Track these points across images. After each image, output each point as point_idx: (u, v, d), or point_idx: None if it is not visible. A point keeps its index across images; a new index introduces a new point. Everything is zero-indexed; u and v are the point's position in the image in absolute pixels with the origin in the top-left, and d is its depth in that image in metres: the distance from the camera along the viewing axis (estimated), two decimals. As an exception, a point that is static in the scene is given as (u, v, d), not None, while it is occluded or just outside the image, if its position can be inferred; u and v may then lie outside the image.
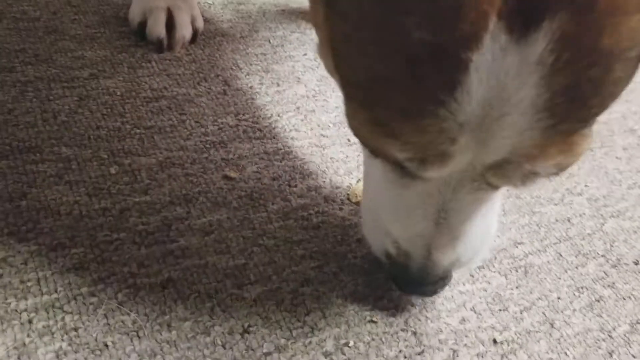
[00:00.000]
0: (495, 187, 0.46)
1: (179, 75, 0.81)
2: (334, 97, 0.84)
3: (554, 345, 0.59)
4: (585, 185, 0.81)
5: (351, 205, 0.68)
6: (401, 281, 0.55)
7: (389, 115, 0.40)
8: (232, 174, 0.68)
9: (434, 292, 0.55)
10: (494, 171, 0.42)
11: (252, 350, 0.52)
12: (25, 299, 0.52)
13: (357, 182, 0.70)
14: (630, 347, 0.61)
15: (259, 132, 0.75)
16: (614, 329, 0.62)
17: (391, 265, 0.53)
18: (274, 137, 0.75)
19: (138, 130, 0.71)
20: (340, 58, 0.43)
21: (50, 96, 0.73)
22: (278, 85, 0.84)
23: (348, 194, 0.69)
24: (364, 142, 0.46)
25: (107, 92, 0.76)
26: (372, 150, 0.45)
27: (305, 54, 0.91)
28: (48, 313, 0.51)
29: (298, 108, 0.81)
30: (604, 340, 0.61)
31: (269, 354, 0.52)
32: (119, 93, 0.76)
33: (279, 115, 0.78)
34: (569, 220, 0.74)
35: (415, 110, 0.38)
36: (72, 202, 0.61)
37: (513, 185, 0.43)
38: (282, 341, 0.54)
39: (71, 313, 0.51)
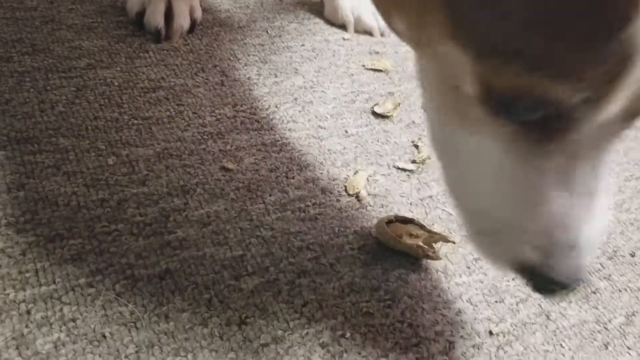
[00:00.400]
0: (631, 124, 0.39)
1: (176, 65, 0.81)
2: (331, 88, 0.84)
3: (549, 336, 0.60)
4: (583, 177, 0.81)
5: (348, 197, 0.68)
6: (554, 284, 0.44)
7: (558, 51, 0.34)
8: (230, 166, 0.68)
9: (580, 283, 0.44)
10: None
11: (250, 341, 0.53)
12: (24, 289, 0.52)
13: (355, 173, 0.71)
14: (626, 338, 0.62)
15: (256, 124, 0.75)
16: (609, 321, 0.63)
17: (535, 276, 0.44)
18: (271, 129, 0.75)
19: (136, 121, 0.71)
20: (472, 18, 0.36)
21: (47, 86, 0.73)
22: (276, 76, 0.84)
23: (345, 186, 0.69)
24: (515, 98, 0.37)
25: (104, 83, 0.76)
26: (533, 103, 0.36)
27: (303, 45, 0.90)
28: (46, 304, 0.51)
29: (296, 99, 0.80)
30: (599, 332, 0.61)
31: (266, 345, 0.53)
32: (116, 83, 0.76)
33: (276, 107, 0.78)
34: (565, 212, 0.75)
35: (596, 38, 0.33)
36: (70, 193, 0.61)
37: None
38: (279, 332, 0.54)
39: (69, 304, 0.52)
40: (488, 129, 0.39)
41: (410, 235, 0.63)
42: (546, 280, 0.43)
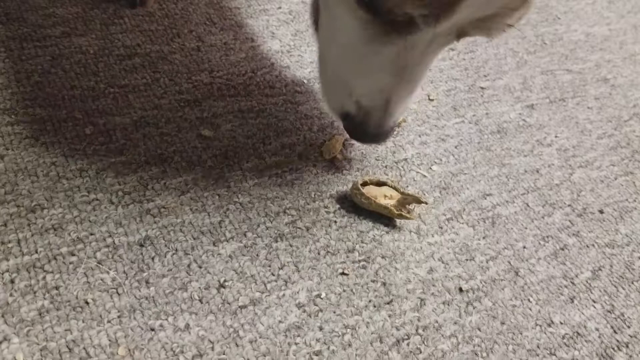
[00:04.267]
0: (459, 40, 0.51)
1: (152, 31, 0.81)
2: (308, 52, 0.84)
3: (517, 292, 0.62)
4: (556, 136, 0.82)
5: (324, 162, 0.70)
6: (360, 134, 0.58)
7: None
8: (207, 133, 0.69)
9: (386, 139, 0.60)
10: (478, 24, 0.48)
11: (228, 303, 0.55)
12: (7, 259, 0.54)
13: (330, 139, 0.72)
14: (592, 292, 0.64)
15: (233, 90, 0.75)
16: (576, 276, 0.66)
17: (349, 122, 0.57)
18: (248, 95, 0.75)
19: (112, 90, 0.71)
20: None
21: (22, 56, 0.73)
22: (252, 40, 0.84)
23: (322, 150, 0.71)
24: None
25: (80, 51, 0.76)
26: (387, 9, 0.46)
27: (279, 7, 0.90)
28: (29, 273, 0.53)
29: (272, 64, 0.81)
30: (566, 286, 0.64)
31: (244, 307, 0.55)
32: (92, 51, 0.76)
33: (253, 72, 0.79)
34: (537, 171, 0.77)
35: None
36: (48, 164, 0.62)
37: (487, 35, 0.49)
38: (257, 294, 0.56)
39: (52, 272, 0.53)
40: (358, 14, 0.49)
41: (385, 196, 0.65)
42: (359, 127, 0.56)
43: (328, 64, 0.57)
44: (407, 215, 0.64)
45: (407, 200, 0.65)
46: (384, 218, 0.65)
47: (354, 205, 0.66)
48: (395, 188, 0.66)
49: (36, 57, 0.73)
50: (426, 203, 0.65)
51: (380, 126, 0.56)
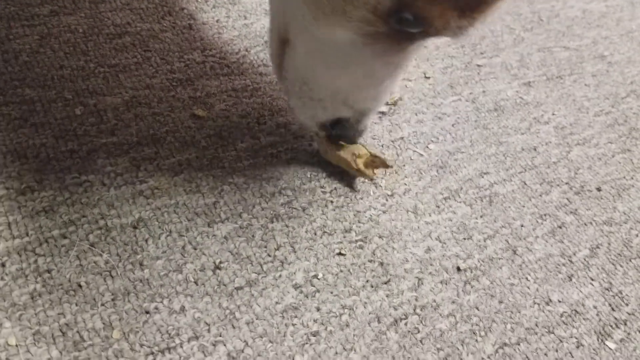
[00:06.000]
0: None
1: (142, 9, 0.79)
2: (302, 29, 0.82)
3: (515, 271, 0.62)
4: (553, 114, 0.82)
5: (320, 141, 0.69)
6: (351, 133, 0.60)
7: None
8: (200, 113, 0.68)
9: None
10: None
11: (224, 285, 0.54)
12: (-3, 243, 0.53)
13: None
14: (589, 270, 0.64)
15: (226, 69, 0.74)
16: (574, 254, 0.65)
17: (340, 126, 0.59)
18: (242, 73, 0.74)
19: (102, 69, 0.70)
20: None
21: (10, 35, 0.71)
22: (245, 18, 0.82)
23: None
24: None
25: (68, 30, 0.74)
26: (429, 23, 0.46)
27: (273, -15, 0.88)
28: (21, 256, 0.52)
29: (266, 42, 0.79)
30: (564, 265, 0.64)
31: (240, 288, 0.54)
32: (81, 30, 0.74)
33: (246, 50, 0.77)
34: (535, 149, 0.76)
35: None
36: (38, 145, 0.61)
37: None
38: (253, 276, 0.55)
39: (43, 255, 0.52)
40: (364, 28, 0.48)
41: (353, 154, 0.64)
42: (352, 128, 0.59)
43: (315, 83, 0.56)
44: (365, 172, 0.63)
45: (374, 162, 0.64)
46: (382, 198, 0.64)
47: (350, 184, 0.65)
48: (366, 148, 0.65)
49: (24, 36, 0.72)
50: (391, 167, 0.64)
51: (368, 123, 0.60)
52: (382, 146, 0.70)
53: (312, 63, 0.55)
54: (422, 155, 0.70)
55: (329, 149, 0.64)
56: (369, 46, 0.49)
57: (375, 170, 0.64)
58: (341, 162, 0.64)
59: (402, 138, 0.72)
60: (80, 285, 0.51)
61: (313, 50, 0.54)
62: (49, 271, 0.51)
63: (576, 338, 0.57)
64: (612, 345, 0.58)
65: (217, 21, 0.80)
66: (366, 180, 0.65)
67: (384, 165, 0.64)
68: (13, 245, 0.53)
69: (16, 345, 0.46)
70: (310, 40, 0.53)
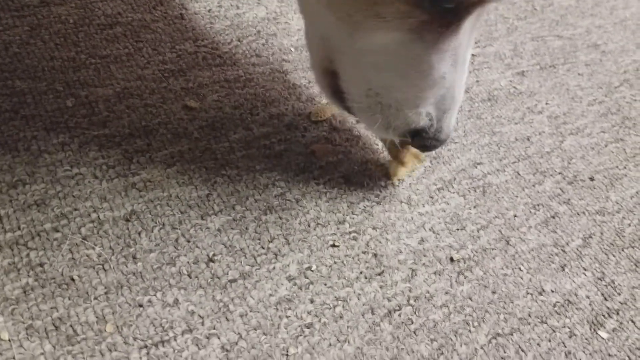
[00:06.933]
0: None
1: (133, -1, 0.78)
2: (295, 19, 0.82)
3: (508, 261, 0.62)
4: (546, 103, 0.82)
5: (314, 132, 0.69)
6: (436, 142, 0.55)
7: None
8: (193, 104, 0.67)
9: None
10: None
11: (218, 278, 0.54)
12: (-11, 237, 0.52)
13: (324, 104, 0.70)
14: (582, 260, 0.64)
15: (218, 59, 0.73)
16: (567, 244, 0.65)
17: (422, 136, 0.53)
18: (234, 64, 0.73)
19: (93, 60, 0.69)
20: None
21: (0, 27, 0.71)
22: (237, 7, 0.81)
23: (310, 112, 0.69)
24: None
25: (59, 20, 0.73)
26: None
27: (265, -26, 0.88)
28: (12, 250, 0.52)
29: (259, 32, 0.79)
30: (557, 254, 0.64)
31: (234, 280, 0.54)
32: (71, 21, 0.73)
33: (239, 40, 0.77)
34: (528, 139, 0.76)
35: None
36: (29, 138, 0.60)
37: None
38: (247, 268, 0.55)
39: (36, 249, 0.52)
40: (404, 22, 0.45)
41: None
42: (433, 139, 0.53)
43: (379, 93, 0.52)
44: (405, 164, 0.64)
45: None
46: (376, 189, 0.64)
47: (344, 176, 0.65)
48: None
49: (14, 27, 0.71)
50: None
51: (451, 127, 0.54)
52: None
53: (369, 79, 0.51)
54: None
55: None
56: (417, 41, 0.46)
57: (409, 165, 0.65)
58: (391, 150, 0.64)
59: (395, 129, 0.72)
60: (72, 279, 0.51)
61: (365, 66, 0.50)
62: (41, 265, 0.51)
63: (569, 328, 0.58)
64: (604, 335, 0.58)
65: (209, 11, 0.80)
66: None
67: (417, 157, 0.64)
68: (5, 239, 0.52)
69: (9, 340, 0.46)
70: (360, 57, 0.50)
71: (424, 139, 0.54)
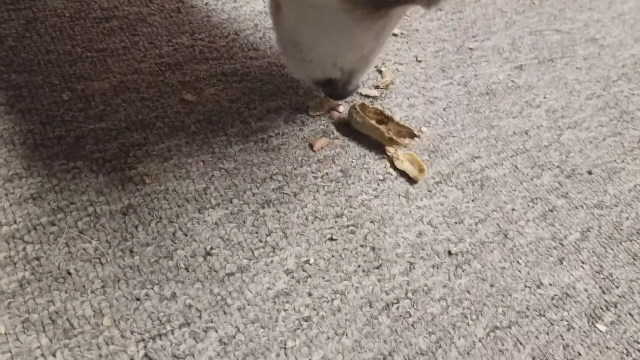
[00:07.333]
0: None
1: (130, -7, 0.78)
2: (292, 12, 0.81)
3: (506, 254, 0.62)
4: (544, 97, 0.81)
5: (312, 126, 0.68)
6: (342, 93, 0.63)
7: None
8: (190, 97, 0.67)
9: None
10: None
11: (215, 271, 0.54)
12: (-15, 230, 0.52)
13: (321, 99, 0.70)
14: (580, 253, 0.64)
15: (216, 52, 0.73)
16: (565, 237, 0.65)
17: (332, 86, 0.61)
18: (231, 57, 0.73)
19: (89, 54, 0.69)
20: None
21: (-6, 19, 0.70)
22: (235, 1, 0.81)
23: (308, 106, 0.69)
24: None
25: (55, 14, 0.73)
26: None
27: (262, -33, 0.87)
28: (9, 244, 0.51)
29: (256, 25, 0.78)
30: (555, 248, 0.64)
31: (231, 274, 0.54)
32: (67, 14, 0.73)
33: (236, 34, 0.76)
34: (526, 133, 0.76)
35: None
36: (25, 131, 0.60)
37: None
38: (245, 262, 0.55)
39: (32, 243, 0.52)
40: None
41: (380, 122, 0.68)
42: (342, 88, 0.62)
43: (305, 45, 0.59)
44: (399, 141, 0.67)
45: (401, 132, 0.68)
46: (374, 182, 0.64)
47: (342, 171, 0.64)
48: (392, 119, 0.69)
49: (9, 20, 0.70)
50: (419, 136, 0.68)
51: (358, 82, 0.63)
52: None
53: (301, 27, 0.58)
54: (408, 142, 0.70)
55: (356, 115, 0.67)
56: (349, 11, 0.52)
57: (404, 140, 0.68)
58: (373, 131, 0.67)
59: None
60: (69, 273, 0.51)
61: (301, 15, 0.56)
62: (37, 259, 0.51)
63: (567, 321, 0.58)
64: (602, 328, 0.58)
65: (206, 4, 0.79)
66: (391, 154, 0.67)
67: (411, 135, 0.68)
68: (1, 232, 0.52)
69: (5, 334, 0.46)
70: (298, 6, 0.56)
71: (334, 88, 0.62)
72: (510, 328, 0.56)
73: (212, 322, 0.50)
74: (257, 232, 0.57)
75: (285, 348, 0.50)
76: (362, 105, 0.69)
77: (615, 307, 0.60)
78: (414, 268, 0.58)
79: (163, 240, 0.55)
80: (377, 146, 0.67)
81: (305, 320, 0.52)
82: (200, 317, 0.50)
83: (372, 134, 0.67)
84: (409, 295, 0.56)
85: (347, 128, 0.69)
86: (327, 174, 0.64)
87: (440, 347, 0.53)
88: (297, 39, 0.59)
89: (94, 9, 0.74)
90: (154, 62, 0.70)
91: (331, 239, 0.59)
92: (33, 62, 0.66)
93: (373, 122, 0.67)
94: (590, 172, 0.73)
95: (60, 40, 0.69)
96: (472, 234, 0.63)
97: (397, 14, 0.55)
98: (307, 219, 0.60)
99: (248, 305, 0.52)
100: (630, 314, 0.60)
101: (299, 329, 0.52)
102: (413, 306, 0.55)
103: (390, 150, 0.66)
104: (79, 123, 0.62)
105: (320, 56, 0.59)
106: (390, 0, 0.49)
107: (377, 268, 0.57)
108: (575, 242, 0.65)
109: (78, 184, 0.57)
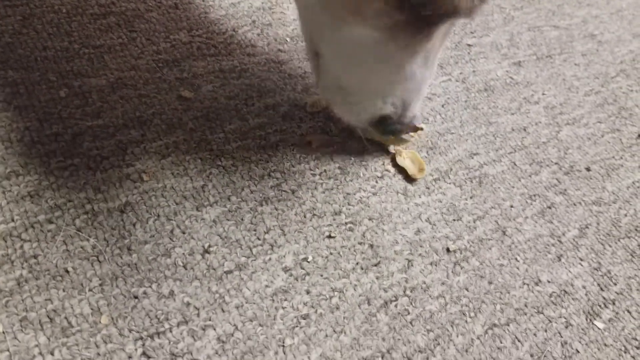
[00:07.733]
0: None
1: (127, -11, 0.77)
2: (291, 8, 0.81)
3: (505, 251, 0.62)
4: (543, 94, 0.81)
5: (310, 123, 0.68)
6: (399, 127, 0.60)
7: None
8: (187, 94, 0.67)
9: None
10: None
11: (213, 269, 0.54)
12: (-18, 228, 0.52)
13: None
14: (579, 250, 0.64)
15: (213, 49, 0.73)
16: (563, 234, 0.65)
17: (387, 122, 0.58)
18: (229, 54, 0.73)
19: (87, 50, 0.68)
20: None
21: (-10, 16, 0.70)
22: (232, -3, 0.81)
23: (306, 102, 0.69)
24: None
25: (52, 10, 0.72)
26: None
27: (260, -37, 0.87)
28: (6, 242, 0.51)
29: (254, 22, 0.78)
30: (553, 245, 0.64)
31: (229, 272, 0.54)
32: (64, 10, 0.73)
33: (234, 30, 0.76)
34: (524, 129, 0.76)
35: None
36: (22, 129, 0.60)
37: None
38: (243, 259, 0.55)
39: (29, 241, 0.52)
40: (381, 21, 0.48)
41: None
42: (398, 122, 0.58)
43: (351, 88, 0.57)
44: (404, 137, 0.66)
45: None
46: (372, 180, 0.64)
47: (340, 168, 0.64)
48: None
49: (6, 17, 0.70)
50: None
51: (414, 113, 0.59)
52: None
53: (344, 70, 0.55)
54: (412, 136, 0.70)
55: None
56: (392, 40, 0.49)
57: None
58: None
59: (391, 119, 0.71)
60: (67, 271, 0.51)
61: (343, 57, 0.54)
62: (35, 257, 0.51)
63: (565, 318, 0.58)
64: (600, 325, 0.58)
65: (204, 0, 0.79)
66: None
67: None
68: (-2, 230, 0.52)
69: (3, 332, 0.46)
70: (338, 48, 0.53)
71: (389, 125, 0.59)
72: (508, 325, 0.56)
73: (210, 320, 0.50)
74: (255, 230, 0.57)
75: (283, 346, 0.50)
76: None
77: (613, 304, 0.60)
78: (412, 265, 0.58)
79: (161, 238, 0.55)
80: (375, 143, 0.67)
81: (304, 318, 0.52)
82: (198, 315, 0.50)
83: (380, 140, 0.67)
84: (407, 292, 0.56)
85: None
86: (325, 171, 0.64)
87: (438, 344, 0.53)
88: (342, 83, 0.56)
89: (91, 5, 0.74)
90: (151, 59, 0.69)
91: (329, 237, 0.59)
92: (30, 59, 0.66)
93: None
94: (588, 169, 0.73)
95: (57, 36, 0.69)
96: (470, 231, 0.63)
97: (442, 32, 0.52)
98: (305, 217, 0.60)
99: (246, 303, 0.52)
100: (629, 311, 0.60)
101: (297, 326, 0.52)
102: (411, 304, 0.55)
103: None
104: (76, 120, 0.61)
105: (368, 95, 0.57)
106: (431, 15, 0.47)
107: (375, 265, 0.57)
108: (574, 239, 0.65)
109: (75, 182, 0.57)
